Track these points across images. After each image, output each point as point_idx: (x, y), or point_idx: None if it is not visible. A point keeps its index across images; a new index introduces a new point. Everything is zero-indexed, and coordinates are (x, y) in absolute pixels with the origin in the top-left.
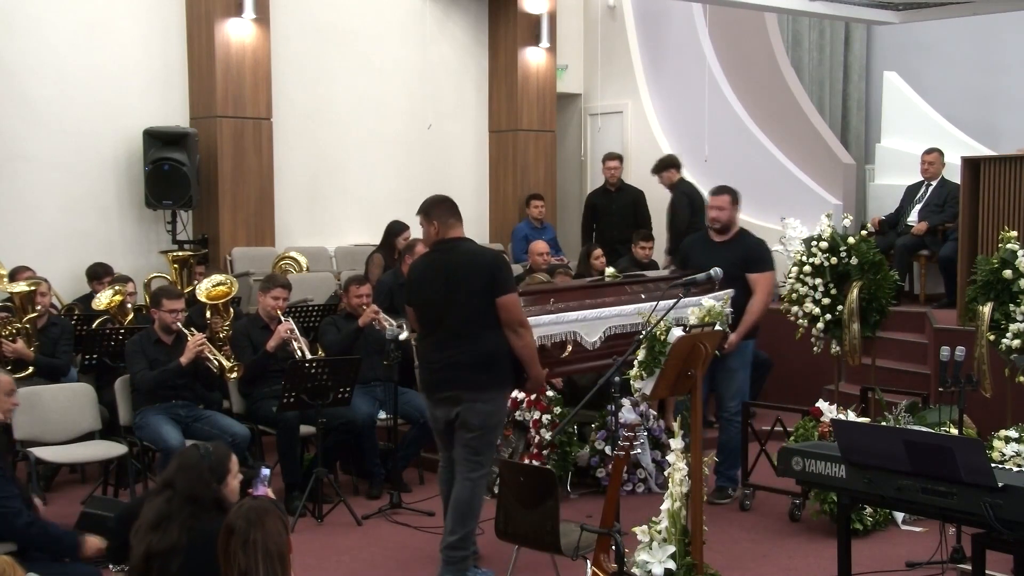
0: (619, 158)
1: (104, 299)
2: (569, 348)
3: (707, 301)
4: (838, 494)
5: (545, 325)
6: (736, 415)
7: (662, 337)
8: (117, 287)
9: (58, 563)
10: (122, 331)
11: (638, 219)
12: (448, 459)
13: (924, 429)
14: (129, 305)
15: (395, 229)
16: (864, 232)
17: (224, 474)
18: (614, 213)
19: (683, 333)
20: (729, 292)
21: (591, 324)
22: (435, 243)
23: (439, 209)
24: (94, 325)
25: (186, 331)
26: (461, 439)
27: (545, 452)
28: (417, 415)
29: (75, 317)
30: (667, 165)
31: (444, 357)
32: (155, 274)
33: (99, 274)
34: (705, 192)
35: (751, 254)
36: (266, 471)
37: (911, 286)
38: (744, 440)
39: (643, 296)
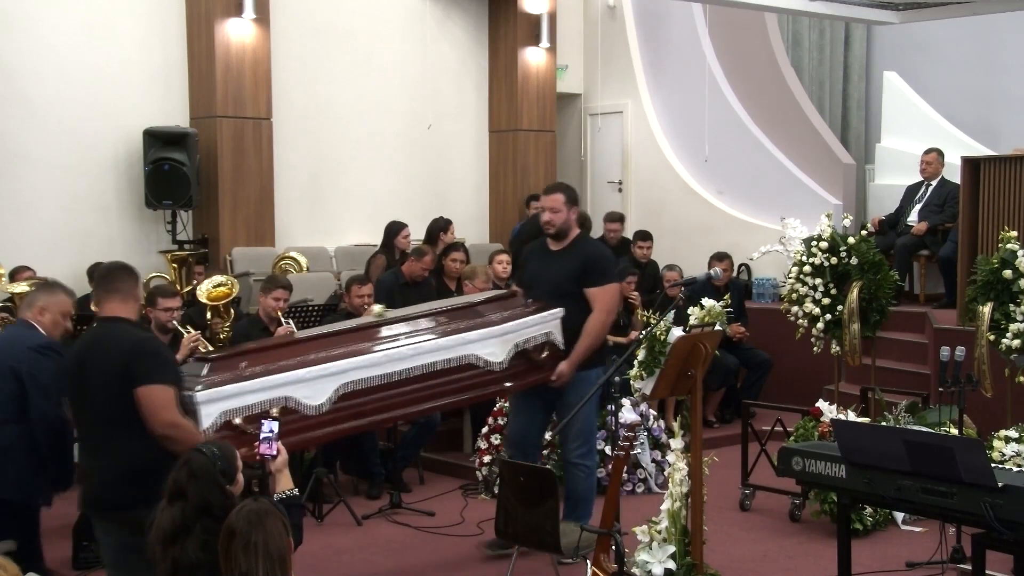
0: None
1: None
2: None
3: (707, 301)
4: (838, 494)
5: (232, 397)
6: (583, 459)
7: (662, 337)
8: None
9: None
10: None
11: None
12: None
13: (924, 429)
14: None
15: (394, 229)
16: (864, 232)
17: (233, 473)
18: None
19: (683, 333)
20: (558, 312)
21: (313, 384)
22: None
23: (101, 282)
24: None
25: (182, 329)
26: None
27: (545, 452)
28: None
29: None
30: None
31: (85, 468)
32: (155, 274)
33: None
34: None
35: (589, 265)
36: (271, 426)
37: (911, 286)
38: (744, 440)
39: (403, 339)
